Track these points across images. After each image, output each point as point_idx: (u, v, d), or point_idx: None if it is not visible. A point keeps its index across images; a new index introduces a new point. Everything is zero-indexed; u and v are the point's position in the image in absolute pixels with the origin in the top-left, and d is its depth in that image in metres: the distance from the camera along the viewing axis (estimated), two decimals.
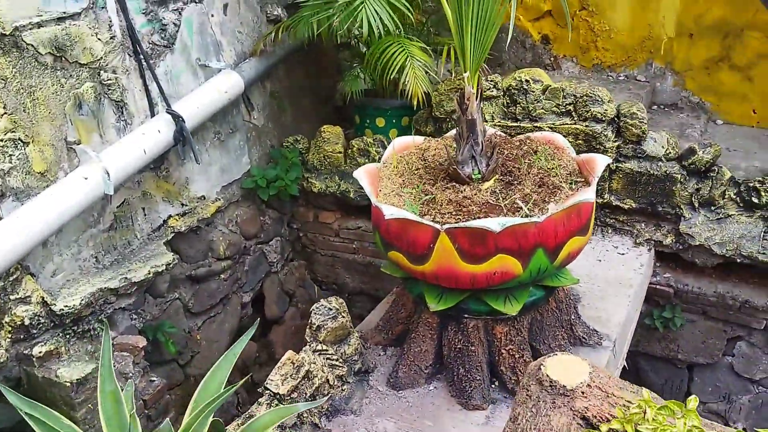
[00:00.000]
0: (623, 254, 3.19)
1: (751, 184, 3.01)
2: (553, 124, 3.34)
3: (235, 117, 3.69)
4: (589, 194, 2.19)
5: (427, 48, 3.53)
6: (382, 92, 3.94)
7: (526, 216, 2.25)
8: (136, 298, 3.04)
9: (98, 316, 2.82)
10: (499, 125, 3.45)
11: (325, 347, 2.47)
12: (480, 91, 2.42)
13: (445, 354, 2.53)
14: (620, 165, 3.24)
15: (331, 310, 2.49)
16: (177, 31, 3.21)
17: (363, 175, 2.54)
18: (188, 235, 3.43)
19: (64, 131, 2.70)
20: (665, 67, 3.82)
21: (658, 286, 3.25)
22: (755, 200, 3.00)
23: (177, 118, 3.08)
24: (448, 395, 2.51)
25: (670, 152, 3.15)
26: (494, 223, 2.09)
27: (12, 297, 2.49)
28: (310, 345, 2.46)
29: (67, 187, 2.60)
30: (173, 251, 3.30)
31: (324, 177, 3.93)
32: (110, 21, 2.83)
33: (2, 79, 2.42)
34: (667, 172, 3.14)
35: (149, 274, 3.01)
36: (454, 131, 2.97)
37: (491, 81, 3.46)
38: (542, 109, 3.36)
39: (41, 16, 2.53)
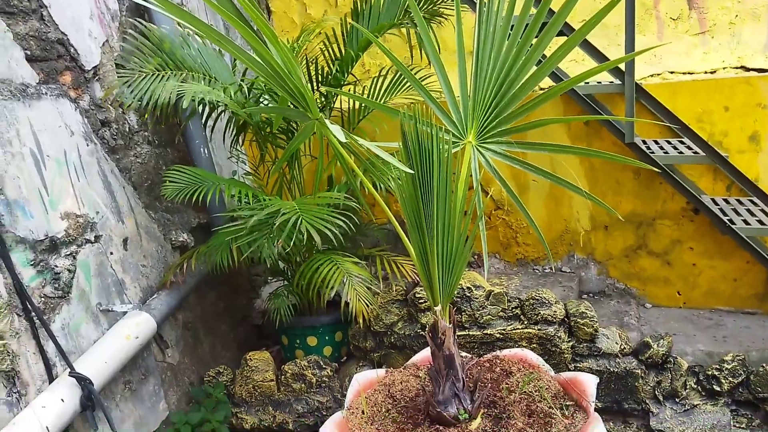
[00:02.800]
0: None
1: (710, 372, 2.98)
2: (503, 329, 3.20)
3: (146, 360, 3.21)
4: (600, 427, 1.98)
5: (360, 262, 3.37)
6: (308, 308, 3.68)
7: None
8: None
9: None
10: None
11: None
12: (454, 323, 2.22)
13: None
14: (578, 365, 3.12)
15: None
16: (72, 278, 2.76)
17: None
18: None
19: None
20: (587, 257, 3.90)
21: None
22: (717, 388, 2.96)
23: (83, 381, 2.58)
24: None
25: (624, 347, 3.09)
26: None
27: None
28: None
29: None
30: None
31: (255, 410, 3.47)
32: None
33: None
34: (627, 368, 3.05)
35: None
36: (416, 358, 2.73)
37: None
38: (489, 315, 3.23)
39: None
